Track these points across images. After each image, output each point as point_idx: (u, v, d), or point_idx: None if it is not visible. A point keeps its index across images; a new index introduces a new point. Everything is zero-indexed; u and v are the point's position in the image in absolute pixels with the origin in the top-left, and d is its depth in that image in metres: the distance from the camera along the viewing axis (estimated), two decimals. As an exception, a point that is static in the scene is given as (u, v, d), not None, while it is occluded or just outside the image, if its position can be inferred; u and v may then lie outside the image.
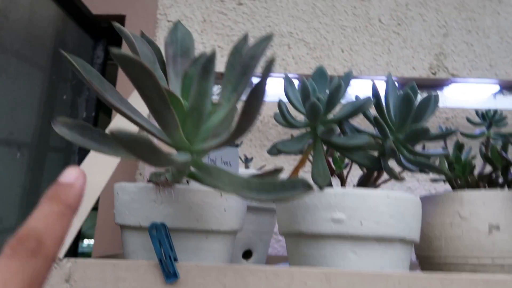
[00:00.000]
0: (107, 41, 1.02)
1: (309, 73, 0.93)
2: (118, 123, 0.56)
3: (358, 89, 0.86)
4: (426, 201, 0.50)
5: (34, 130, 0.79)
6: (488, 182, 0.50)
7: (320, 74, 0.47)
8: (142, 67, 0.27)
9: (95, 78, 0.33)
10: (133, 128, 0.59)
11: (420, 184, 0.86)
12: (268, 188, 0.32)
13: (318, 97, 0.43)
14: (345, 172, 0.54)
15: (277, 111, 0.46)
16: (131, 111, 0.34)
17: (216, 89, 0.88)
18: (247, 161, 0.73)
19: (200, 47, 0.97)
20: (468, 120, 0.65)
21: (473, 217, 0.46)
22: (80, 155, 0.95)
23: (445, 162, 0.51)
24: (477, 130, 0.65)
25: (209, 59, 0.31)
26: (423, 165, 0.45)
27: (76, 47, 0.93)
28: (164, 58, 0.40)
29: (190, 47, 0.41)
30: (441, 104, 0.83)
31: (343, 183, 0.52)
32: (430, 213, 0.48)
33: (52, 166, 0.85)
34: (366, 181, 0.48)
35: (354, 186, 0.66)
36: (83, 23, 0.93)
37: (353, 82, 0.85)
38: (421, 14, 0.94)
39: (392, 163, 0.45)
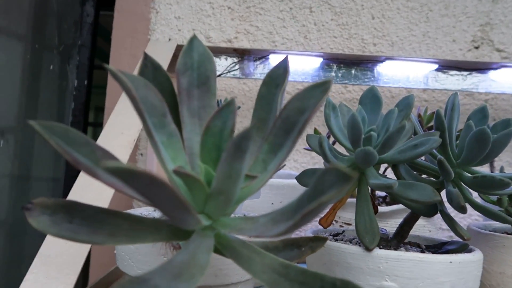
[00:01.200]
0: (97, -5, 0.87)
1: (332, 44, 0.81)
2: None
3: (389, 70, 0.74)
4: (481, 239, 0.43)
5: (18, 111, 0.69)
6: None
7: (372, 98, 0.37)
8: (151, 179, 0.18)
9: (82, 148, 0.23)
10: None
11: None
12: (314, 285, 0.24)
13: (371, 137, 0.34)
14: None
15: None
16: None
17: (229, 64, 0.75)
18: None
19: (207, 8, 0.83)
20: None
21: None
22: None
23: (507, 198, 0.42)
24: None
25: (244, 136, 0.21)
26: (489, 214, 0.37)
27: (61, 5, 0.79)
28: (176, 91, 0.30)
29: (210, 74, 0.31)
30: (483, 89, 0.73)
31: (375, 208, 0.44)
32: (486, 256, 0.41)
33: (42, 148, 0.76)
34: (411, 222, 0.40)
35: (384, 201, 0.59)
36: (68, -25, 0.78)
37: (385, 64, 0.74)
38: (469, -27, 0.80)
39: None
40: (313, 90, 0.26)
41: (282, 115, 0.27)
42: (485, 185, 0.35)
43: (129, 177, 0.17)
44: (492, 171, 0.58)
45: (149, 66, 0.30)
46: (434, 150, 0.39)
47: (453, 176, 0.36)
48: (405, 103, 0.36)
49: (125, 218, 0.25)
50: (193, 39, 0.31)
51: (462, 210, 0.33)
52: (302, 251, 0.30)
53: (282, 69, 0.31)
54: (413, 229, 0.41)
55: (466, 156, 0.37)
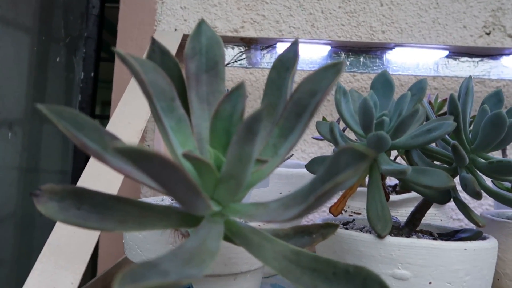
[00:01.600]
0: (102, -14, 0.87)
1: (340, 32, 0.79)
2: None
3: (398, 57, 0.73)
4: (495, 227, 0.42)
5: (26, 103, 0.69)
6: None
7: (383, 82, 0.36)
8: (162, 161, 0.17)
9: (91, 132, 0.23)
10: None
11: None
12: (326, 272, 0.24)
13: (383, 121, 0.33)
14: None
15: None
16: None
17: (236, 55, 0.74)
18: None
19: (212, -2, 0.82)
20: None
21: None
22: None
23: (523, 184, 0.41)
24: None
25: (255, 118, 0.21)
26: (505, 200, 0.37)
27: (67, -3, 0.79)
28: (184, 76, 0.29)
29: (219, 59, 0.30)
30: (495, 76, 0.71)
31: (386, 195, 0.44)
32: (501, 245, 0.40)
33: (49, 141, 0.76)
34: (423, 210, 0.39)
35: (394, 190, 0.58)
36: (73, -34, 0.78)
37: (394, 51, 0.72)
38: (481, -42, 0.78)
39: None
40: (325, 72, 0.26)
41: (293, 98, 0.26)
42: (501, 170, 0.34)
43: (139, 159, 0.17)
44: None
45: (157, 51, 0.30)
46: (447, 136, 0.38)
47: (467, 161, 0.35)
48: (418, 87, 0.35)
49: (134, 205, 0.25)
50: (201, 24, 0.31)
51: (478, 196, 0.32)
52: (313, 238, 0.30)
53: (292, 52, 0.30)
54: (424, 218, 0.40)
55: (481, 141, 0.36)
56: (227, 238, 0.28)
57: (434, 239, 0.37)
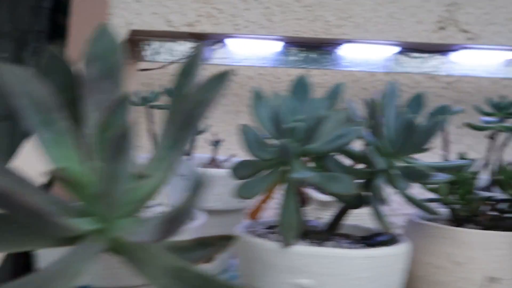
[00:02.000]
0: (53, -23, 0.83)
1: (297, 27, 0.79)
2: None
3: (349, 53, 0.73)
4: (416, 229, 0.43)
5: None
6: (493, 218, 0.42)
7: (301, 86, 0.36)
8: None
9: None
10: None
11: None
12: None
13: (293, 128, 0.33)
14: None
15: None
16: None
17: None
18: (216, 144, 0.63)
19: (165, -9, 0.80)
20: (478, 109, 0.55)
21: (468, 264, 0.38)
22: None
23: (446, 186, 0.42)
24: (485, 118, 0.56)
25: (123, 136, 0.20)
26: (414, 204, 0.37)
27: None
28: (84, 81, 0.28)
29: (118, 65, 0.29)
30: (445, 71, 0.71)
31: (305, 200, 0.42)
32: (416, 246, 0.40)
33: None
34: (341, 214, 0.39)
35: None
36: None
37: (345, 46, 0.72)
38: (436, -49, 0.77)
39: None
40: (212, 82, 0.25)
41: (183, 108, 0.26)
42: (411, 175, 0.34)
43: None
44: (446, 158, 0.57)
45: (48, 57, 0.28)
46: (373, 140, 0.38)
47: (382, 166, 0.35)
48: (333, 91, 0.35)
49: (7, 222, 0.24)
50: (102, 29, 0.30)
51: (382, 202, 0.32)
52: (213, 250, 0.29)
53: (195, 58, 0.29)
54: (358, 217, 0.41)
55: (399, 145, 0.36)
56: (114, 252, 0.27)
57: (351, 243, 0.37)
